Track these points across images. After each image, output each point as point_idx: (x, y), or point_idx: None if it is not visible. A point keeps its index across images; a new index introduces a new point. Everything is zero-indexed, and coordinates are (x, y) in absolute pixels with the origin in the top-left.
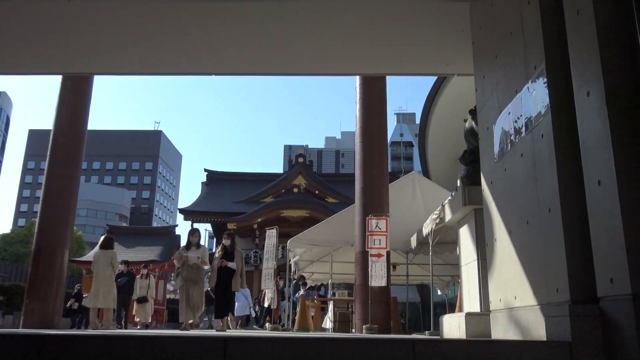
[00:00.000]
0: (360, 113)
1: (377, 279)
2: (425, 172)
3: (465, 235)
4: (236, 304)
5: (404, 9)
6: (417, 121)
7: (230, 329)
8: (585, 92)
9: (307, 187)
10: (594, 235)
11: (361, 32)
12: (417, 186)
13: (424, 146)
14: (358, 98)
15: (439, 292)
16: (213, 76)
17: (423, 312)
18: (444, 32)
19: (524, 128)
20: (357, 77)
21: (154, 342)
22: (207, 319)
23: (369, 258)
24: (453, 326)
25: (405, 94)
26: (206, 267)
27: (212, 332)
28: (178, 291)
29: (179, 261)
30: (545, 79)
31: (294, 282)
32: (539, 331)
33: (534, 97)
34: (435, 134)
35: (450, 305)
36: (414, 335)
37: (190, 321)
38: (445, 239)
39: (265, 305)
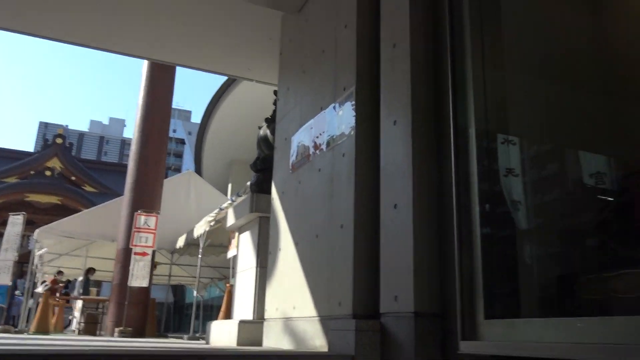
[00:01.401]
0: (145, 102)
1: (138, 279)
2: (198, 172)
3: (246, 242)
4: None
5: (213, 3)
6: (192, 119)
7: None
8: (392, 121)
9: (62, 172)
10: (384, 254)
11: (163, 14)
12: (192, 186)
13: (201, 146)
14: (144, 85)
15: (195, 294)
16: None
17: (174, 312)
18: (250, 36)
19: (325, 145)
20: (146, 63)
21: None
22: None
23: (132, 256)
24: (223, 332)
25: (183, 90)
26: None
27: None
28: None
29: None
30: (354, 102)
31: (83, 277)
32: (314, 342)
33: (340, 117)
34: (214, 135)
35: (205, 307)
36: (202, 346)
37: None
38: (214, 242)
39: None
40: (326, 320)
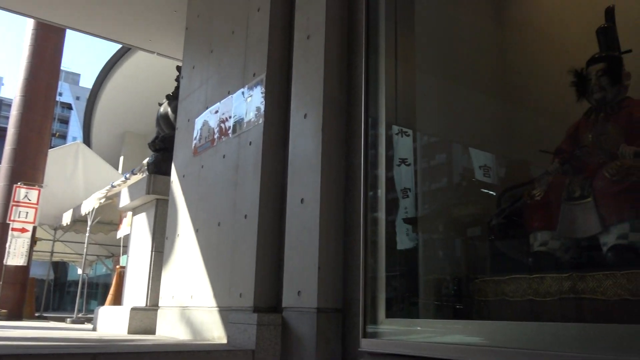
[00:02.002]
0: (30, 63)
1: (16, 257)
2: (87, 142)
3: (141, 224)
4: None
5: None
6: (81, 83)
7: None
8: (303, 114)
9: None
10: (289, 248)
11: None
12: (80, 158)
13: (91, 114)
14: (29, 44)
15: (79, 271)
16: None
17: (54, 290)
18: (153, 5)
19: (231, 131)
20: (32, 22)
21: None
22: None
23: (10, 232)
24: (113, 319)
25: (72, 50)
26: None
27: None
28: None
29: None
30: (264, 90)
31: None
32: (212, 333)
33: (248, 104)
34: (106, 104)
35: (90, 284)
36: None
37: None
38: (104, 220)
39: None
40: (226, 312)
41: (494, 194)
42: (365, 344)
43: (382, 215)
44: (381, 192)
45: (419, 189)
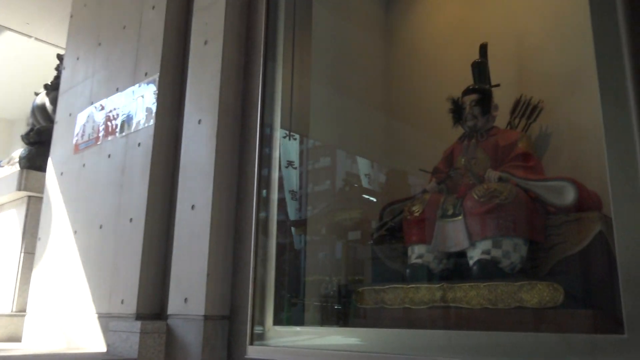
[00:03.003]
0: None
1: None
2: None
3: (9, 223)
4: None
5: None
6: None
7: None
8: (197, 119)
9: None
10: (177, 255)
11: None
12: None
13: None
14: None
15: None
16: None
17: None
18: None
19: (118, 130)
20: None
21: None
22: None
23: None
24: None
25: None
26: None
27: None
28: None
29: None
30: (156, 90)
31: None
32: (89, 341)
33: (138, 104)
34: None
35: None
36: None
37: None
38: None
39: None
40: (105, 319)
41: (374, 199)
42: (252, 351)
43: (273, 224)
44: (274, 200)
45: (309, 197)
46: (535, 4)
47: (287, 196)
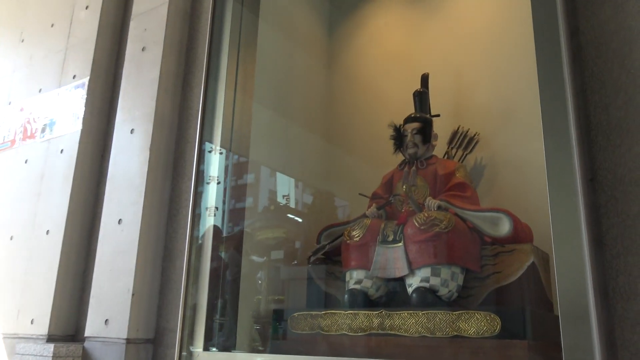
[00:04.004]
0: None
1: None
2: None
3: None
4: None
5: None
6: None
7: None
8: (129, 129)
9: None
10: (98, 272)
11: None
12: None
13: None
14: None
15: None
16: None
17: None
18: None
19: (39, 133)
20: None
21: None
22: None
23: None
24: None
25: None
26: None
27: None
28: None
29: None
30: (85, 95)
31: None
32: None
33: (64, 108)
34: None
35: None
36: None
37: None
38: None
39: None
40: (12, 340)
41: (299, 220)
42: None
43: (208, 242)
44: (209, 218)
45: (245, 214)
46: (473, 40)
47: (224, 214)
